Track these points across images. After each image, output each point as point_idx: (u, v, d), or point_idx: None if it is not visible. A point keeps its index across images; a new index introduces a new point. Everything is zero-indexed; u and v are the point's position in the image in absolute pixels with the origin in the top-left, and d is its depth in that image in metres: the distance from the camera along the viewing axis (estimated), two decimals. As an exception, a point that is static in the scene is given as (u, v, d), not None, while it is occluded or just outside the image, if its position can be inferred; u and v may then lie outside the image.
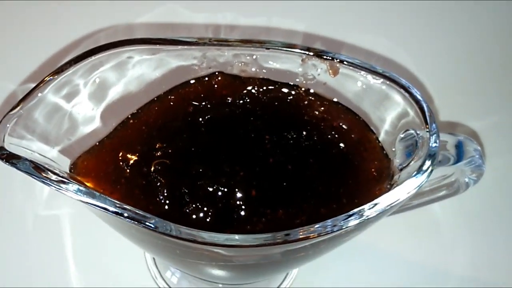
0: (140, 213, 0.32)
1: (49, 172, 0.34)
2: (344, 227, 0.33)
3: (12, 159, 0.34)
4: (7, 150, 0.34)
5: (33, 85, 0.38)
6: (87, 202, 0.33)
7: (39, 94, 0.37)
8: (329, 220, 0.33)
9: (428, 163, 0.35)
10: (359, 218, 0.33)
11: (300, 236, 0.32)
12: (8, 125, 0.36)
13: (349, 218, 0.33)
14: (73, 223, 0.55)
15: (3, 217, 0.55)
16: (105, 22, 0.68)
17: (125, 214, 0.32)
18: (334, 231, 0.33)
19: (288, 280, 0.54)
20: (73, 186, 0.33)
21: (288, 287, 0.54)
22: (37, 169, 0.34)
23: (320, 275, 0.53)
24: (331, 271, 0.53)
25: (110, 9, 0.70)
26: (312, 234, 0.32)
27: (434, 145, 0.36)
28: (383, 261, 0.55)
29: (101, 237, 0.53)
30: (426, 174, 0.35)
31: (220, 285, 0.51)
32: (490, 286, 0.53)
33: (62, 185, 0.33)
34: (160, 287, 0.53)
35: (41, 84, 0.38)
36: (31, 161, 0.34)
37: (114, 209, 0.32)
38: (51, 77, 0.38)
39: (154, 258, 0.54)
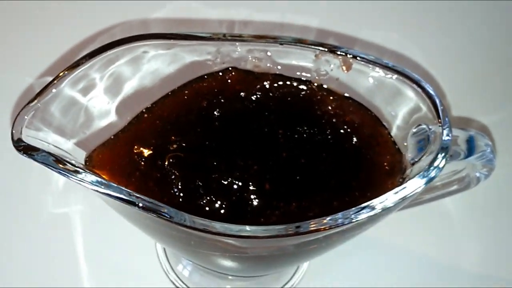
0: (156, 203, 0.33)
1: (67, 164, 0.34)
2: (355, 220, 0.33)
3: (29, 150, 0.34)
4: (25, 142, 0.35)
5: (50, 78, 0.38)
6: (104, 193, 0.33)
7: (56, 88, 0.38)
8: (340, 213, 0.33)
9: (440, 156, 0.35)
10: (370, 211, 0.33)
11: (311, 229, 0.32)
12: (26, 118, 0.36)
13: (361, 211, 0.33)
14: (84, 220, 0.55)
15: (18, 214, 0.56)
16: (120, 18, 0.68)
17: (141, 204, 0.33)
18: (345, 224, 0.33)
19: (298, 275, 0.54)
20: (91, 177, 0.34)
21: (297, 286, 0.54)
22: (55, 161, 0.34)
23: (330, 271, 0.53)
24: (340, 267, 0.53)
25: (125, 5, 0.70)
26: (323, 227, 0.33)
27: (446, 138, 0.36)
28: (393, 256, 0.55)
29: (112, 233, 0.54)
30: (438, 167, 0.35)
31: (230, 277, 0.52)
32: (501, 281, 0.53)
33: (79, 175, 0.34)
34: (172, 280, 0.53)
35: (58, 78, 0.38)
36: (49, 153, 0.34)
37: (130, 199, 0.33)
38: (68, 71, 0.38)
39: (165, 252, 0.54)
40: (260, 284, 0.55)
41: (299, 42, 0.43)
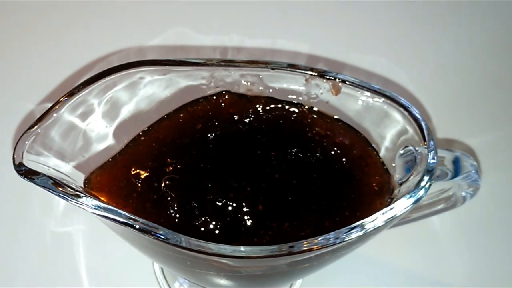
0: (152, 225, 0.34)
1: (66, 187, 0.35)
2: (346, 239, 0.34)
3: (30, 174, 0.36)
4: (26, 166, 0.36)
5: (50, 104, 0.39)
6: (102, 215, 0.34)
7: (56, 113, 0.39)
8: (332, 233, 0.34)
9: (426, 178, 0.37)
10: (360, 231, 0.35)
11: (304, 248, 0.34)
12: (26, 142, 0.37)
13: (351, 231, 0.35)
14: (85, 239, 0.56)
15: (20, 233, 0.57)
16: (118, 45, 0.70)
17: (138, 226, 0.34)
18: (337, 243, 0.34)
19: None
20: (89, 200, 0.35)
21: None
22: (55, 184, 0.35)
23: (323, 285, 0.54)
24: (333, 281, 0.54)
25: (122, 33, 0.72)
26: (315, 246, 0.34)
27: (432, 161, 0.38)
28: (383, 272, 0.56)
29: (112, 251, 0.55)
30: (424, 188, 0.37)
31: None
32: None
33: (78, 199, 0.35)
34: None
35: (58, 104, 0.39)
36: (49, 177, 0.36)
37: (128, 222, 0.34)
38: (67, 97, 0.40)
39: (162, 270, 0.55)
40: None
41: (290, 66, 0.44)
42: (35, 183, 0.35)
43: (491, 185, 0.59)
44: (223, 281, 0.42)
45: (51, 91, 0.65)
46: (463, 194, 0.44)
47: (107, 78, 0.41)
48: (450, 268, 0.56)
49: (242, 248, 0.33)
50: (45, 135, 0.39)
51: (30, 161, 0.37)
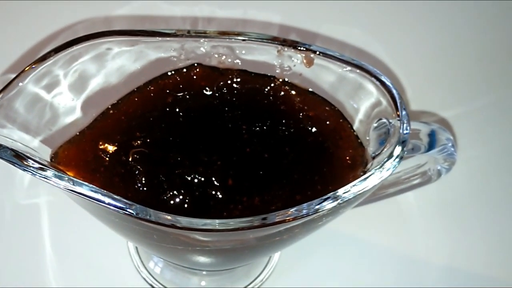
0: (120, 199, 0.33)
1: (30, 160, 0.34)
2: (319, 210, 0.34)
3: (-8, 147, 0.35)
4: (-13, 139, 0.35)
5: (13, 75, 0.38)
6: (67, 189, 0.33)
7: (20, 84, 0.38)
8: (304, 204, 0.34)
9: (398, 149, 0.36)
10: (333, 202, 0.34)
11: (277, 220, 0.33)
12: (-12, 115, 0.36)
13: (324, 202, 0.34)
14: (52, 212, 0.55)
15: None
16: (83, 15, 0.68)
17: (105, 201, 0.33)
18: (310, 214, 0.34)
19: (268, 268, 0.55)
20: (54, 174, 0.34)
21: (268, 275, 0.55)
22: (18, 157, 0.34)
23: (300, 264, 0.54)
24: (310, 260, 0.54)
25: (87, 2, 0.70)
26: (288, 218, 0.33)
27: (405, 132, 0.37)
28: (360, 249, 0.56)
29: (83, 227, 0.54)
30: (396, 160, 0.36)
31: (203, 272, 0.52)
32: (465, 273, 0.55)
33: (42, 172, 0.34)
34: (144, 277, 0.54)
35: (21, 74, 0.38)
36: (12, 149, 0.34)
37: (94, 195, 0.33)
38: (31, 67, 0.38)
39: (137, 248, 0.54)
40: (231, 278, 0.55)
41: (262, 38, 0.43)
42: (-3, 156, 0.34)
43: (467, 160, 0.59)
44: (191, 256, 0.42)
45: (14, 62, 0.64)
46: (439, 167, 0.44)
47: (73, 48, 0.40)
48: (424, 244, 0.57)
49: (216, 221, 0.33)
50: (8, 107, 0.37)
51: (-7, 134, 0.36)
